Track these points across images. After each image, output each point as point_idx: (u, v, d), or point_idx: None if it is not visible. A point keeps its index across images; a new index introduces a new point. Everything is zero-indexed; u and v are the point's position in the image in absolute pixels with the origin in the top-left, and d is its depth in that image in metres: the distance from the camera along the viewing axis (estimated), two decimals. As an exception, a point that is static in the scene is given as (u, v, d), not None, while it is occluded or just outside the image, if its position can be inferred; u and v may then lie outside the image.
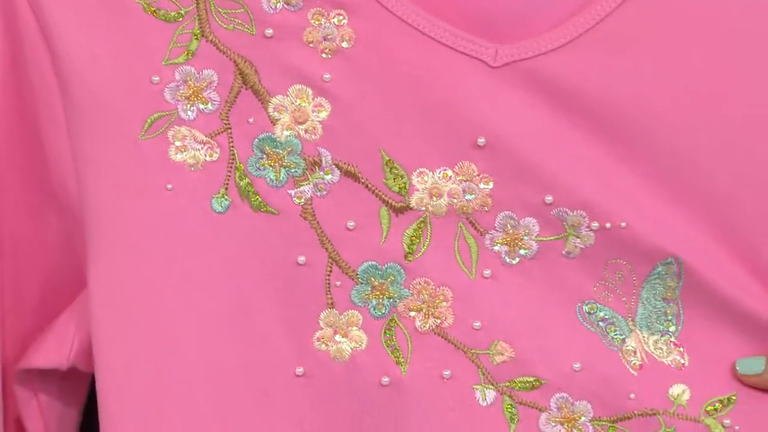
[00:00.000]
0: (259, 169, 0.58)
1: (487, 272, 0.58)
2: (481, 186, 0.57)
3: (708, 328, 0.58)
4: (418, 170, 0.57)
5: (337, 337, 0.58)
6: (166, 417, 0.58)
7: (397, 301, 0.58)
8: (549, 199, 0.57)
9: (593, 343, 0.58)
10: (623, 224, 0.57)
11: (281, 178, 0.58)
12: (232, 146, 0.58)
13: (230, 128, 0.58)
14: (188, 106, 0.58)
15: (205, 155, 0.58)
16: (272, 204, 0.58)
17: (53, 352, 0.63)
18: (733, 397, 0.59)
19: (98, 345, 0.58)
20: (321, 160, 0.57)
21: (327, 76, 0.57)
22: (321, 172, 0.58)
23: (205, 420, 0.58)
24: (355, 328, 0.58)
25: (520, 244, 0.58)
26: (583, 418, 0.58)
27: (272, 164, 0.58)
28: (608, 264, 0.58)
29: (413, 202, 0.58)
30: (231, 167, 0.58)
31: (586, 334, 0.58)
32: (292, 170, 0.58)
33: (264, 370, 0.58)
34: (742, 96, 0.57)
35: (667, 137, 0.57)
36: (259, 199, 0.58)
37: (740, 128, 0.57)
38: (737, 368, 0.58)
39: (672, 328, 0.59)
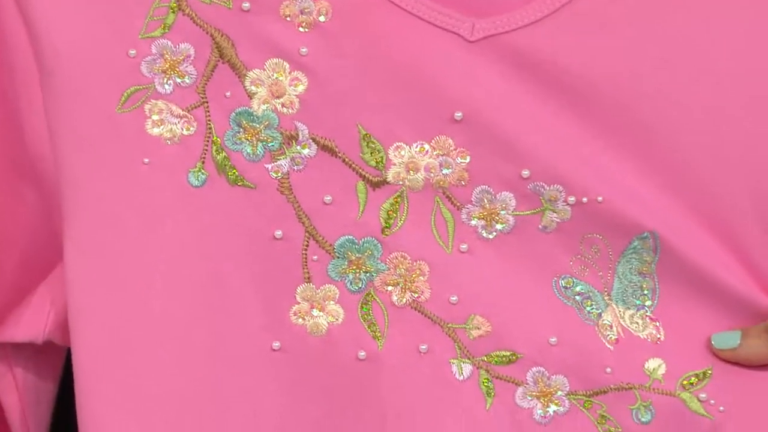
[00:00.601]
0: (236, 143, 0.58)
1: (463, 246, 0.58)
2: (458, 160, 0.58)
3: (684, 303, 0.59)
4: (395, 144, 0.57)
5: (314, 312, 0.59)
6: (142, 390, 0.58)
7: (374, 275, 0.59)
8: (526, 173, 0.57)
9: (569, 317, 0.58)
10: (600, 198, 0.57)
11: (258, 152, 0.58)
12: (209, 120, 0.58)
13: (207, 102, 0.58)
14: (165, 79, 0.58)
15: (182, 129, 0.58)
16: (249, 178, 0.58)
17: (29, 325, 0.63)
18: (709, 371, 0.59)
19: (74, 318, 0.58)
20: (298, 134, 0.58)
21: (304, 50, 0.57)
22: (298, 147, 0.58)
23: (181, 393, 0.58)
24: (331, 302, 0.59)
25: (496, 218, 0.58)
26: (559, 392, 0.59)
27: (249, 138, 0.58)
28: (585, 238, 0.58)
29: (390, 176, 0.58)
30: (208, 141, 0.58)
31: (562, 309, 0.59)
32: (269, 144, 0.58)
33: (240, 344, 0.58)
34: (718, 71, 0.57)
35: (644, 112, 0.57)
36: (236, 173, 0.58)
37: (716, 103, 0.57)
38: (712, 343, 0.58)
39: (648, 303, 0.59)
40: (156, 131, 0.58)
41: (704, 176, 0.58)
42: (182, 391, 0.58)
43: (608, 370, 0.58)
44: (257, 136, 0.58)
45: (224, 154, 0.58)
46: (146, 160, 0.58)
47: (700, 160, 0.57)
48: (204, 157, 0.58)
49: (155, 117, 0.58)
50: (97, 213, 0.58)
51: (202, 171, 0.58)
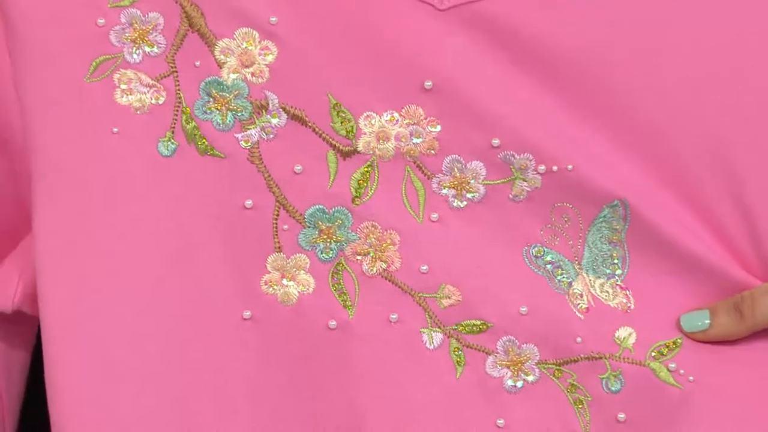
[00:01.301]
0: (206, 113, 0.58)
1: (434, 216, 0.58)
2: (429, 129, 0.58)
3: (654, 271, 0.59)
4: (365, 114, 0.57)
5: (285, 281, 0.59)
6: (111, 358, 0.58)
7: (345, 244, 0.59)
8: (496, 142, 0.57)
9: (540, 286, 0.59)
10: (570, 167, 0.57)
11: (228, 122, 0.58)
12: (179, 90, 0.58)
13: (176, 71, 0.58)
14: (134, 49, 0.58)
15: (152, 98, 0.58)
16: (219, 148, 0.58)
17: (-3, 294, 0.63)
18: (679, 341, 0.59)
19: (42, 288, 0.58)
20: (268, 104, 0.58)
21: (273, 19, 0.57)
22: (268, 116, 0.58)
23: (151, 361, 0.58)
24: (302, 271, 0.59)
25: (467, 187, 0.58)
26: (529, 361, 0.59)
27: (219, 108, 0.58)
28: (555, 207, 0.59)
29: (360, 145, 0.58)
30: (177, 111, 0.58)
31: (533, 278, 0.59)
32: (239, 114, 0.58)
33: (210, 314, 0.59)
34: (688, 39, 0.57)
35: (613, 80, 0.57)
36: (206, 143, 0.58)
37: (686, 72, 0.57)
38: (682, 325, 0.59)
39: (618, 272, 0.59)
40: (125, 100, 0.58)
41: (674, 145, 0.58)
42: (152, 359, 0.58)
43: (578, 339, 0.59)
44: (227, 105, 0.58)
45: (194, 123, 0.58)
46: (115, 130, 0.58)
47: (670, 128, 0.57)
48: (174, 127, 0.58)
49: (124, 86, 0.58)
50: (66, 182, 0.58)
51: (172, 140, 0.58)
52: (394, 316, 0.59)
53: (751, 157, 0.58)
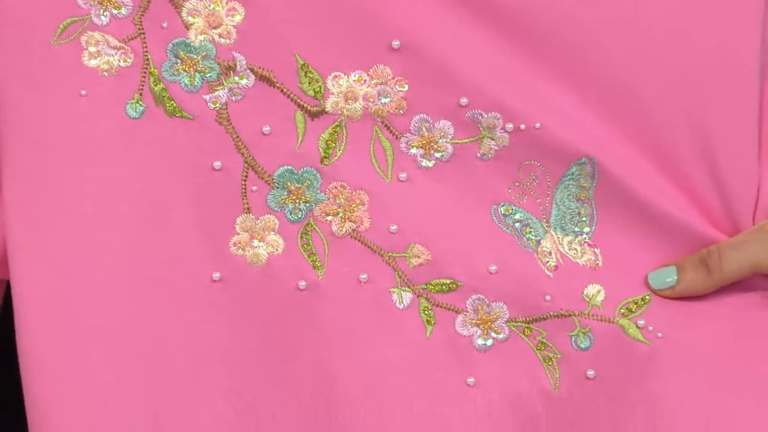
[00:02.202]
0: (174, 75, 0.58)
1: (402, 175, 0.59)
2: (396, 89, 0.58)
3: (621, 228, 0.60)
4: (333, 74, 0.58)
5: (254, 242, 0.59)
6: (81, 321, 0.59)
7: (314, 205, 0.59)
8: (464, 101, 0.57)
9: (509, 244, 0.59)
10: (538, 125, 0.58)
11: (196, 83, 0.58)
12: (146, 51, 0.58)
13: (144, 33, 0.58)
14: (101, 11, 0.58)
15: (119, 61, 0.58)
16: (187, 109, 0.58)
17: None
18: (647, 297, 0.60)
19: (12, 251, 0.59)
20: (236, 65, 0.58)
21: (240, -21, 0.57)
22: (236, 77, 0.58)
23: (121, 323, 0.59)
24: (271, 232, 0.59)
25: (435, 146, 0.59)
26: (499, 320, 0.60)
27: (187, 69, 0.58)
28: (523, 166, 0.59)
29: (328, 106, 0.58)
30: (145, 73, 0.58)
31: (501, 236, 0.59)
32: (207, 75, 0.58)
33: (180, 275, 0.59)
34: None
35: (580, 38, 0.58)
36: (174, 105, 0.58)
37: (653, 28, 0.58)
38: (649, 282, 0.59)
39: (586, 229, 0.60)
40: (93, 63, 0.58)
41: (641, 102, 0.58)
42: (122, 321, 0.59)
43: (547, 297, 0.59)
44: (195, 67, 0.58)
45: (162, 85, 0.58)
46: (83, 92, 0.58)
47: (637, 85, 0.58)
48: (141, 89, 0.58)
49: (92, 49, 0.58)
50: (35, 145, 0.58)
51: (140, 102, 0.58)
52: (363, 276, 0.59)
53: (718, 113, 0.58)
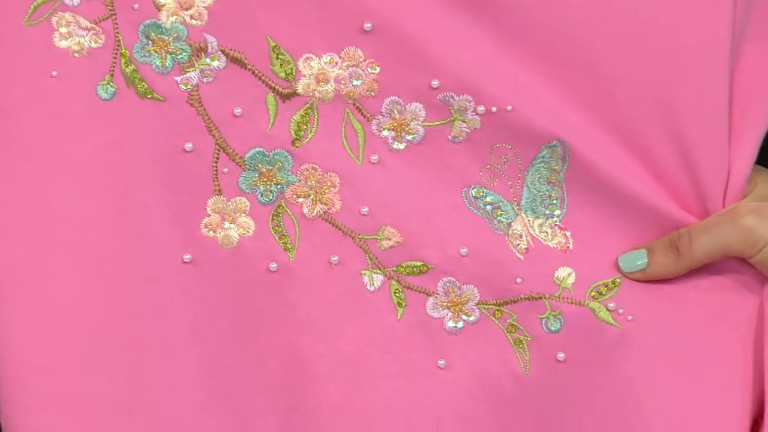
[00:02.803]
0: (145, 56, 0.58)
1: (374, 158, 0.59)
2: (368, 71, 0.58)
3: (592, 211, 0.60)
4: (304, 56, 0.58)
5: (225, 224, 0.59)
6: (50, 304, 0.58)
7: (285, 187, 0.59)
8: (435, 83, 0.58)
9: (480, 227, 0.59)
10: (509, 108, 0.58)
11: (167, 65, 0.58)
12: (117, 32, 0.58)
13: (115, 14, 0.58)
14: (72, -9, 0.58)
15: (90, 41, 0.58)
16: (158, 91, 0.58)
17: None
18: (618, 280, 0.60)
19: (-19, 231, 0.58)
20: (207, 47, 0.58)
21: (212, -40, 0.57)
22: (207, 59, 0.58)
23: (91, 306, 0.59)
24: (242, 214, 0.59)
25: (406, 129, 0.59)
26: (469, 302, 0.60)
27: (158, 51, 0.58)
28: (494, 148, 0.59)
29: (300, 88, 0.58)
30: (116, 54, 0.58)
31: (472, 219, 0.59)
32: (178, 57, 0.58)
33: (150, 257, 0.59)
34: None
35: (551, 20, 0.58)
36: (145, 86, 0.58)
37: (623, 10, 0.58)
38: (620, 266, 0.60)
39: (557, 212, 0.60)
40: (64, 44, 0.58)
41: (612, 85, 0.58)
42: (92, 303, 0.59)
43: (518, 279, 0.59)
44: (166, 48, 0.58)
45: (133, 66, 0.58)
46: (54, 73, 0.58)
47: (607, 69, 0.58)
48: (113, 70, 0.58)
49: (63, 29, 0.58)
50: (4, 126, 0.58)
51: (111, 84, 0.58)
52: (334, 259, 0.59)
53: (689, 95, 0.58)
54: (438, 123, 0.58)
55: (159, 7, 0.58)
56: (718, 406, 0.59)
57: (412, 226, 0.59)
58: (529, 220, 0.60)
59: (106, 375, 0.59)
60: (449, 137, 0.59)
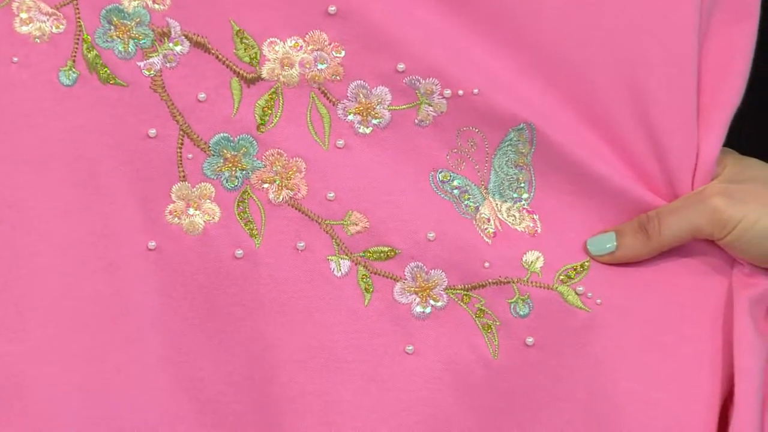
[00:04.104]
0: (107, 41, 0.58)
1: (340, 142, 0.59)
2: (333, 55, 0.58)
3: (560, 194, 0.60)
4: (268, 40, 0.57)
5: (190, 210, 0.59)
6: (12, 288, 0.58)
7: (250, 173, 0.59)
8: (401, 67, 0.57)
9: (447, 211, 0.59)
10: (476, 91, 0.58)
11: (130, 50, 0.58)
12: (79, 17, 0.57)
13: (76, -1, 0.57)
14: (33, -24, 0.57)
15: (51, 27, 0.58)
16: (121, 76, 0.58)
17: None
18: (587, 264, 0.60)
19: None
20: (170, 31, 0.58)
21: (174, -57, 0.57)
22: (170, 44, 0.58)
23: (54, 291, 0.58)
24: (207, 200, 0.59)
25: (372, 113, 0.59)
26: (437, 287, 0.60)
27: (120, 36, 0.58)
28: (461, 132, 0.59)
29: (264, 72, 0.58)
30: (78, 39, 0.58)
31: (440, 203, 0.59)
32: (141, 42, 0.58)
33: (114, 244, 0.59)
34: None
35: (518, 3, 0.58)
36: (108, 72, 0.58)
37: None
38: (588, 249, 0.60)
39: (525, 195, 0.60)
40: (25, 29, 0.58)
41: (579, 67, 0.58)
42: (54, 290, 0.58)
43: (486, 264, 0.59)
44: (128, 33, 0.58)
45: (95, 52, 0.58)
46: (15, 59, 0.57)
47: (574, 50, 0.58)
48: (74, 56, 0.58)
49: (24, 15, 0.57)
50: (-35, 112, 0.57)
51: (73, 70, 0.58)
52: (301, 244, 0.59)
53: (656, 77, 0.58)
54: (404, 107, 0.58)
55: (121, -8, 0.57)
56: (687, 388, 0.59)
57: (378, 211, 0.59)
58: (496, 204, 0.60)
59: (66, 361, 0.58)
60: (416, 121, 0.58)
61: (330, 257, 0.59)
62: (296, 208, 0.59)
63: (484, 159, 0.60)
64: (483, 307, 0.59)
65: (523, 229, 0.60)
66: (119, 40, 0.58)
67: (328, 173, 0.59)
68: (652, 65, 0.57)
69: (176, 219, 0.59)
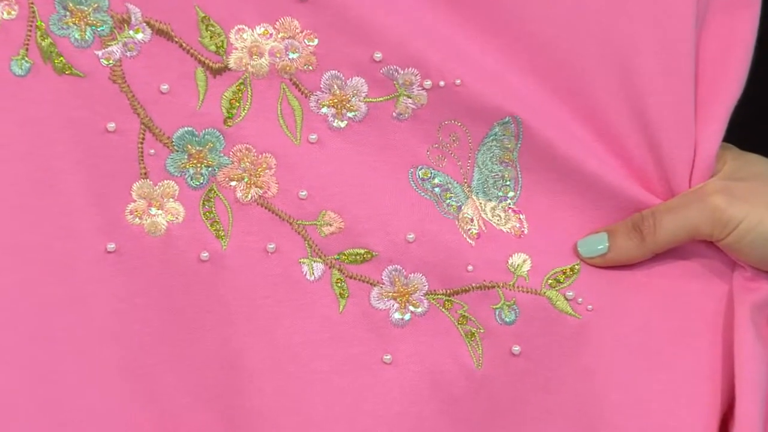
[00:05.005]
0: (63, 28, 0.55)
1: (312, 137, 0.57)
2: (305, 43, 0.56)
3: (549, 193, 0.58)
4: (236, 27, 0.55)
5: (152, 210, 0.57)
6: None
7: (216, 169, 0.57)
8: (378, 56, 0.55)
9: (428, 211, 0.57)
10: (458, 81, 0.56)
11: (87, 38, 0.55)
12: (32, 3, 0.55)
13: (29, -17, 0.55)
14: (-19, -42, 0.55)
15: (2, 13, 0.55)
16: (78, 66, 0.55)
17: None
18: (577, 267, 0.58)
19: None
20: (130, 18, 0.55)
21: (134, -76, 0.55)
22: (130, 31, 0.55)
23: (5, 296, 0.55)
24: (170, 199, 0.57)
25: (347, 105, 0.57)
26: (417, 292, 0.58)
27: (77, 22, 0.55)
28: (442, 126, 0.57)
29: (232, 62, 0.56)
30: (31, 26, 0.55)
31: (420, 202, 0.57)
32: (99, 29, 0.55)
33: (70, 246, 0.56)
34: None
35: None
36: (63, 61, 0.55)
37: None
38: (579, 251, 0.58)
39: (510, 194, 0.58)
40: (-27, 16, 0.55)
41: (569, 56, 0.56)
42: (5, 295, 0.55)
43: (469, 267, 0.57)
44: (85, 19, 0.55)
45: (50, 40, 0.55)
46: (-36, 48, 0.55)
47: (564, 38, 0.56)
48: (27, 44, 0.55)
49: (-28, 1, 0.55)
50: None
51: (26, 59, 0.55)
52: (271, 246, 0.57)
53: (651, 66, 0.56)
54: (381, 99, 0.56)
55: (77, -25, 0.55)
56: (684, 401, 0.58)
57: (354, 211, 0.57)
58: (480, 203, 0.58)
59: (18, 371, 0.56)
60: (394, 114, 0.57)
61: (302, 260, 0.57)
62: (266, 208, 0.57)
63: (467, 155, 0.57)
64: (466, 314, 0.57)
65: (508, 230, 0.58)
66: (75, 27, 0.55)
67: (300, 170, 0.56)
68: (646, 52, 0.56)
69: (137, 219, 0.56)
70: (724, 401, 0.58)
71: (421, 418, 0.57)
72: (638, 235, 0.57)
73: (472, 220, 0.58)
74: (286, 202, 0.57)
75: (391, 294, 0.57)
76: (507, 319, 0.57)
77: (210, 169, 0.57)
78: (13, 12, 0.55)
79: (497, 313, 0.57)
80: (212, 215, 0.57)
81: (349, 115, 0.57)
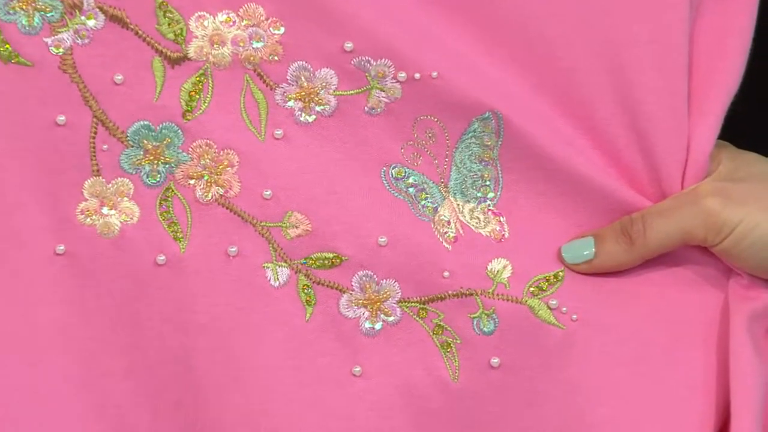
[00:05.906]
0: (9, 14, 0.53)
1: (278, 132, 0.55)
2: (271, 31, 0.55)
3: (531, 194, 0.57)
4: (196, 14, 0.54)
5: (105, 210, 0.55)
6: None
7: (174, 167, 0.55)
8: (349, 46, 0.54)
9: (401, 212, 0.56)
10: (435, 74, 0.54)
11: (35, 24, 0.54)
12: (-25, -13, 0.54)
13: (-30, -35, 0.54)
14: None
15: (-57, -3, 0.54)
16: (25, 54, 0.53)
17: None
18: (561, 274, 0.57)
19: None
20: (82, 3, 0.53)
21: None
22: (82, 17, 0.54)
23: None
24: (125, 198, 0.55)
25: (316, 99, 0.55)
26: (389, 300, 0.56)
27: (24, 7, 0.53)
28: (418, 121, 0.56)
29: (191, 51, 0.54)
30: (-26, 12, 0.54)
31: (393, 203, 0.56)
32: (48, 14, 0.54)
33: (16, 248, 0.54)
34: None
35: None
36: (10, 49, 0.53)
37: None
38: (563, 256, 0.57)
39: (490, 195, 0.57)
40: None
41: (554, 48, 0.55)
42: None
43: (446, 273, 0.56)
44: (33, 4, 0.53)
45: (-5, 26, 0.54)
46: None
47: (549, 26, 0.55)
48: (-30, 31, 0.54)
49: None
50: None
51: (-31, 47, 0.54)
52: (232, 249, 0.55)
53: (641, 58, 0.55)
54: (352, 92, 0.55)
55: (24, -43, 0.54)
56: (677, 416, 0.57)
57: (322, 212, 0.55)
58: (458, 205, 0.57)
59: None
60: (366, 108, 0.55)
61: (266, 264, 0.55)
62: (227, 208, 0.55)
63: (444, 152, 0.56)
64: (442, 323, 0.56)
65: (488, 234, 0.57)
66: (23, 12, 0.53)
67: (265, 168, 0.55)
68: (636, 42, 0.55)
69: (89, 219, 0.55)
70: (718, 418, 0.57)
71: (393, 435, 0.57)
72: (627, 239, 0.56)
73: (448, 223, 0.56)
74: (249, 202, 0.55)
75: (361, 301, 0.56)
76: (485, 329, 0.56)
77: (167, 166, 0.55)
78: (-47, -3, 0.54)
79: (475, 322, 0.56)
80: (170, 216, 0.55)
81: (318, 109, 0.55)
